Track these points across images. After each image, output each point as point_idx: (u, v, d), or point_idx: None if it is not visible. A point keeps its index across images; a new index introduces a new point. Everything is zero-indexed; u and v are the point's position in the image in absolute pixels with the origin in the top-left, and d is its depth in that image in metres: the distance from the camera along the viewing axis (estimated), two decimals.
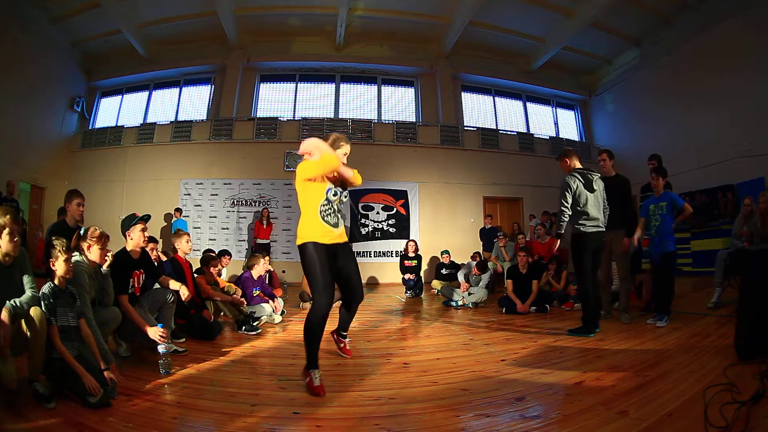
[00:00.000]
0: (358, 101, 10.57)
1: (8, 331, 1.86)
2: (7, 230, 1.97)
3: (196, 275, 3.98)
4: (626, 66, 10.37)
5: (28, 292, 2.03)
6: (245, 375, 2.51)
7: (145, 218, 3.01)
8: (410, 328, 4.30)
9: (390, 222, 9.49)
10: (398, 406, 1.96)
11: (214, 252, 5.04)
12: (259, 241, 8.32)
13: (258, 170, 9.37)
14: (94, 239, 2.52)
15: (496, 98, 11.19)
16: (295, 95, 10.46)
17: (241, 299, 4.11)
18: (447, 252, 6.88)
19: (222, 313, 4.01)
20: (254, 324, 3.85)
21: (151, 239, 3.58)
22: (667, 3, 8.68)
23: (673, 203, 3.92)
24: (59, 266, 2.15)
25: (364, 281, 8.93)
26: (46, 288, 2.10)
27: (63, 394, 1.93)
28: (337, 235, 2.39)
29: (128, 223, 2.92)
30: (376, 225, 9.44)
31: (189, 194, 9.33)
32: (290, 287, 7.16)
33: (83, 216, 3.46)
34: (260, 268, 4.52)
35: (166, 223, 8.87)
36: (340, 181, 2.46)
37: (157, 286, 3.13)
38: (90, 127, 10.28)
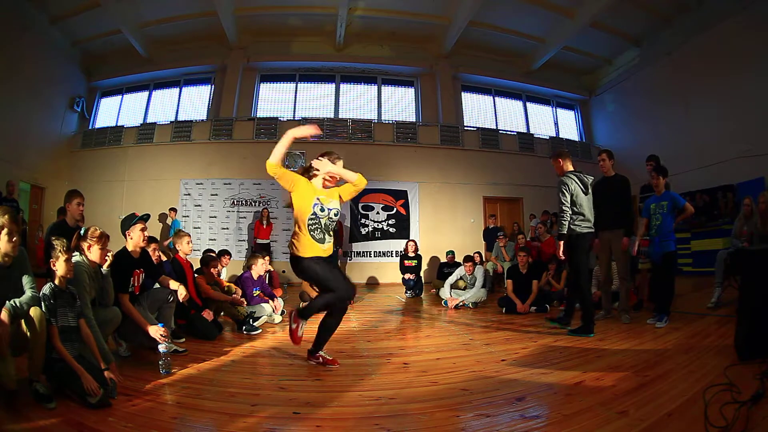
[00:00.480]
0: (358, 101, 10.57)
1: (8, 332, 1.86)
2: (5, 230, 1.97)
3: (196, 275, 3.98)
4: (626, 66, 10.37)
5: (28, 293, 2.03)
6: (245, 375, 2.51)
7: (145, 218, 3.01)
8: (410, 328, 4.30)
9: (390, 222, 9.49)
10: (398, 406, 1.96)
11: (214, 252, 5.04)
12: (259, 241, 8.31)
13: (258, 170, 9.20)
14: (95, 239, 2.52)
15: (496, 98, 11.19)
16: (295, 95, 10.46)
17: (241, 299, 4.11)
18: (452, 252, 6.88)
19: (222, 313, 4.01)
20: (254, 324, 3.86)
21: (152, 239, 3.57)
22: (667, 3, 8.68)
23: (674, 203, 3.92)
24: (60, 266, 2.15)
25: (364, 281, 8.99)
26: (46, 288, 2.10)
27: (63, 394, 1.93)
28: (324, 251, 2.52)
29: (128, 222, 2.92)
30: (376, 225, 9.44)
31: (189, 194, 9.33)
32: (290, 287, 7.16)
33: (83, 216, 3.46)
34: (260, 268, 4.52)
35: (161, 224, 8.84)
36: (333, 197, 2.55)
37: (157, 285, 3.13)
38: (90, 127, 10.28)
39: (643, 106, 9.75)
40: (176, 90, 10.56)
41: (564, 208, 3.60)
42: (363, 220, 9.41)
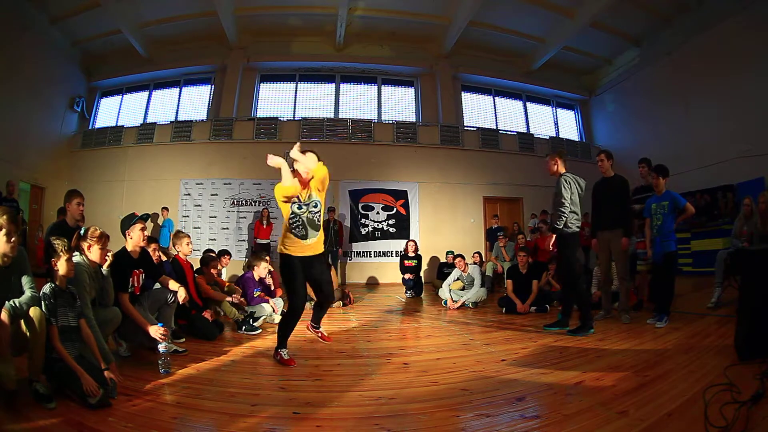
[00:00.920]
0: (358, 101, 10.57)
1: (8, 332, 1.86)
2: (3, 231, 1.96)
3: (196, 276, 3.98)
4: (626, 66, 10.37)
5: (28, 292, 2.03)
6: (245, 375, 2.51)
7: (145, 218, 3.02)
8: (410, 328, 4.29)
9: (390, 222, 9.49)
10: (398, 406, 1.96)
11: (214, 252, 5.04)
12: (260, 241, 8.31)
13: (258, 170, 9.34)
14: (95, 239, 2.52)
15: (496, 98, 11.18)
16: (295, 95, 10.45)
17: (241, 299, 4.11)
18: (452, 252, 6.88)
19: (222, 314, 4.01)
20: (254, 324, 3.86)
21: (152, 239, 3.58)
22: (667, 3, 8.68)
23: (675, 203, 3.91)
24: (61, 266, 2.15)
25: (364, 281, 9.01)
26: (46, 288, 2.10)
27: (63, 394, 1.93)
28: (308, 247, 2.66)
29: (128, 222, 2.92)
30: (376, 225, 9.43)
31: (189, 194, 9.32)
32: None
33: (83, 216, 3.46)
34: (262, 271, 4.52)
35: (152, 224, 8.74)
36: (311, 191, 2.67)
37: (157, 286, 3.13)
38: (90, 127, 10.28)
39: (643, 106, 9.75)
40: (176, 90, 10.56)
41: (566, 203, 3.66)
42: (363, 220, 9.41)
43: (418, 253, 7.21)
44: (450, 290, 5.46)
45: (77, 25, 9.02)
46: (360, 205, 9.41)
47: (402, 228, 9.47)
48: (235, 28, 9.64)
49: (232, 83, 9.94)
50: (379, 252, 9.35)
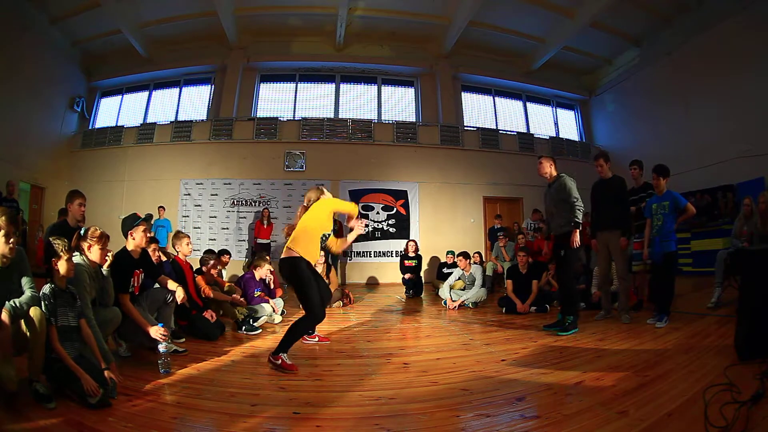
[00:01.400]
0: (358, 101, 10.56)
1: (9, 333, 1.86)
2: (2, 232, 1.96)
3: (196, 276, 3.98)
4: (626, 66, 10.37)
5: (28, 293, 2.03)
6: (245, 375, 2.51)
7: (147, 218, 3.01)
8: (410, 328, 4.29)
9: (390, 222, 9.49)
10: (398, 406, 1.96)
11: (214, 252, 5.04)
12: (260, 241, 8.31)
13: (258, 170, 9.37)
14: (95, 239, 2.52)
15: (496, 98, 11.18)
16: (295, 95, 10.45)
17: (242, 299, 4.11)
18: (452, 252, 6.88)
19: (222, 313, 4.01)
20: (254, 324, 3.86)
21: (153, 239, 3.57)
22: (667, 3, 8.67)
23: (675, 203, 3.91)
24: (61, 266, 2.15)
25: (364, 281, 9.02)
26: (46, 288, 2.10)
27: (63, 394, 1.93)
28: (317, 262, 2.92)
29: (130, 223, 2.92)
30: (376, 225, 9.43)
31: (189, 194, 9.32)
32: (290, 287, 7.15)
33: (85, 216, 3.46)
34: (263, 272, 4.52)
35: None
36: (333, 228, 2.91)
37: (156, 285, 3.13)
38: (90, 127, 10.27)
39: (643, 106, 9.74)
40: (176, 90, 10.55)
41: (577, 197, 3.65)
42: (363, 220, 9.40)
43: (418, 253, 7.21)
44: (450, 290, 5.46)
45: (77, 25, 9.02)
46: (360, 205, 9.41)
47: (402, 228, 9.47)
48: (235, 28, 9.64)
49: (232, 83, 9.94)
50: (379, 252, 9.35)
